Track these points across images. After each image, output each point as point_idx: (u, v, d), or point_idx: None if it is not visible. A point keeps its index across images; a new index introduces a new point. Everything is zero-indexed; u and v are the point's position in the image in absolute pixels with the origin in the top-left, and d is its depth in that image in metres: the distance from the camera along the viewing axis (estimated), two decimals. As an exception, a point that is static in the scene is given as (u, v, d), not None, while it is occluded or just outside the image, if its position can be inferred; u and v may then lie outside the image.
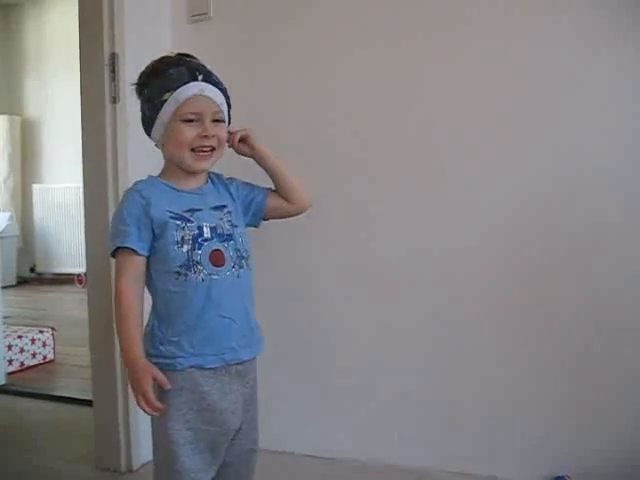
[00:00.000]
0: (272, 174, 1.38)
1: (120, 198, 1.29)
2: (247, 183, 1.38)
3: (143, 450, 1.87)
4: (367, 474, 1.81)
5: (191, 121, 1.21)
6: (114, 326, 1.81)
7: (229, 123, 1.32)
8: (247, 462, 1.31)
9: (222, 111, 1.27)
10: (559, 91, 1.62)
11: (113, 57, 1.82)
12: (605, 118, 1.59)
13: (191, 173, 1.26)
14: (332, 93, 1.85)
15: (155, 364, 1.18)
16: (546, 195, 1.65)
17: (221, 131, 1.26)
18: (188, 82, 1.21)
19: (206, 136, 1.22)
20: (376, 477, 1.79)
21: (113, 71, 1.82)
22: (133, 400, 1.81)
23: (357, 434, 1.87)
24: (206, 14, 1.96)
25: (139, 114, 1.30)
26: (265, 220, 1.40)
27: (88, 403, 2.07)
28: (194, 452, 1.18)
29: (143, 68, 1.29)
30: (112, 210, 1.82)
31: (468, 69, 1.70)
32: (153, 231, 1.19)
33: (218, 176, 1.34)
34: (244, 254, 1.26)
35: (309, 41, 1.87)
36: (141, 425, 1.84)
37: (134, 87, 1.29)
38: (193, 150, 1.22)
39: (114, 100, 1.82)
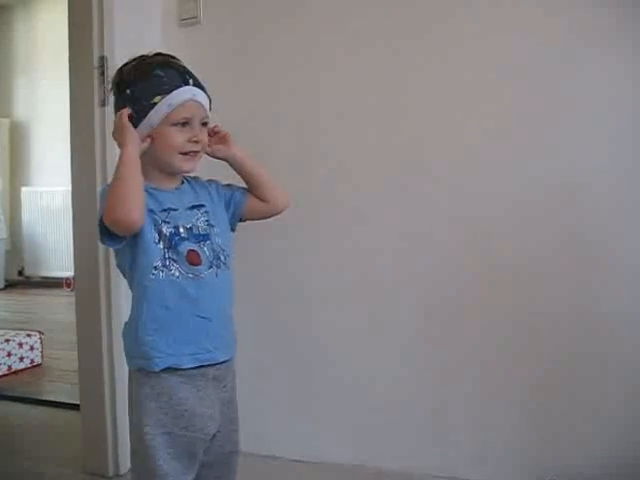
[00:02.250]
0: (248, 174, 1.36)
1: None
2: (227, 184, 1.37)
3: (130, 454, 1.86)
4: (355, 478, 1.81)
5: (181, 125, 1.21)
6: (101, 330, 1.83)
7: None
8: (228, 464, 1.30)
9: (208, 115, 1.27)
10: (558, 93, 1.63)
11: (102, 60, 1.82)
12: (602, 120, 1.60)
13: (172, 174, 1.26)
14: (323, 97, 1.86)
15: (134, 365, 1.20)
16: (534, 201, 1.66)
17: (206, 135, 1.27)
18: (180, 86, 1.20)
19: (196, 141, 1.23)
20: (364, 481, 1.79)
21: (102, 74, 1.81)
22: (120, 404, 1.82)
23: (345, 438, 1.87)
24: (196, 18, 1.97)
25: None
26: (242, 221, 1.38)
27: (75, 407, 2.06)
28: (171, 457, 1.17)
29: (122, 64, 1.27)
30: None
31: (462, 71, 1.70)
32: None
33: (195, 178, 1.34)
34: (221, 254, 1.25)
35: (300, 45, 1.87)
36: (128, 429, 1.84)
37: (112, 83, 1.27)
38: (181, 153, 1.22)
39: (103, 103, 1.82)
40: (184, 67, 1.26)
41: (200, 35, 1.96)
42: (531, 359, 1.68)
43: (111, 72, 1.80)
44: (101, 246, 1.83)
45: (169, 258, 1.18)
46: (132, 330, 1.20)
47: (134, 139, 1.18)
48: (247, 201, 1.36)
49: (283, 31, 1.89)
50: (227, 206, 1.34)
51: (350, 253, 1.84)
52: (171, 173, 1.25)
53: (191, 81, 1.22)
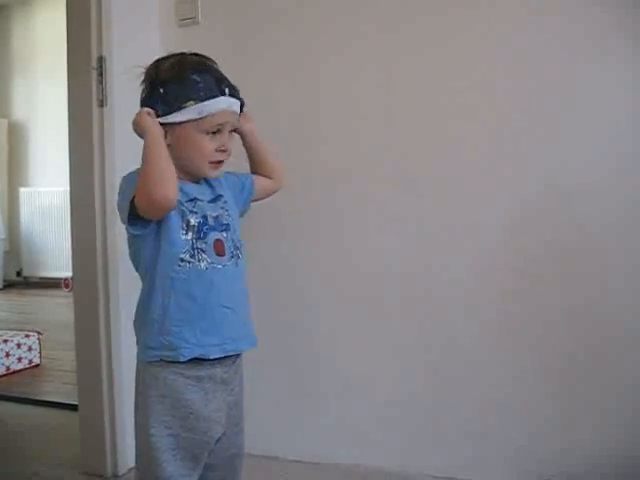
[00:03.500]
0: (256, 151, 1.41)
1: (115, 190, 1.25)
2: (231, 172, 1.36)
3: (129, 455, 1.86)
4: (354, 479, 1.81)
5: (212, 133, 1.21)
6: (100, 330, 1.83)
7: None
8: (232, 466, 1.30)
9: (239, 120, 1.29)
10: (558, 92, 1.62)
11: (101, 60, 1.81)
12: (602, 120, 1.59)
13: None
14: (322, 97, 1.86)
15: (156, 356, 1.18)
16: (534, 201, 1.65)
17: (232, 141, 1.27)
18: (216, 96, 1.19)
19: (224, 150, 1.23)
20: (363, 482, 1.79)
21: (101, 74, 1.81)
22: (118, 405, 1.82)
23: (343, 439, 1.87)
24: (194, 18, 1.97)
25: (126, 118, 1.28)
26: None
27: (74, 408, 2.06)
28: (175, 458, 1.17)
29: (161, 57, 1.25)
30: (99, 214, 1.82)
31: (462, 71, 1.70)
32: None
33: None
34: (238, 244, 1.26)
35: (298, 45, 1.87)
36: (127, 430, 1.84)
37: (144, 72, 1.25)
38: (209, 162, 1.22)
39: (101, 103, 1.82)
40: (220, 73, 1.25)
41: (198, 35, 1.96)
42: (530, 359, 1.68)
43: (109, 72, 1.80)
44: (99, 246, 1.83)
45: (198, 248, 1.18)
46: (155, 321, 1.18)
47: (154, 123, 1.18)
48: (256, 183, 1.40)
49: (281, 31, 1.89)
50: (239, 194, 1.36)
51: (350, 253, 1.84)
52: (192, 175, 1.25)
53: (227, 90, 1.21)
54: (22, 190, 5.77)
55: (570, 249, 1.63)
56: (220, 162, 1.24)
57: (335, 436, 1.88)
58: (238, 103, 1.25)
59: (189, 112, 1.17)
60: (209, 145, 1.21)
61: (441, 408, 1.78)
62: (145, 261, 1.21)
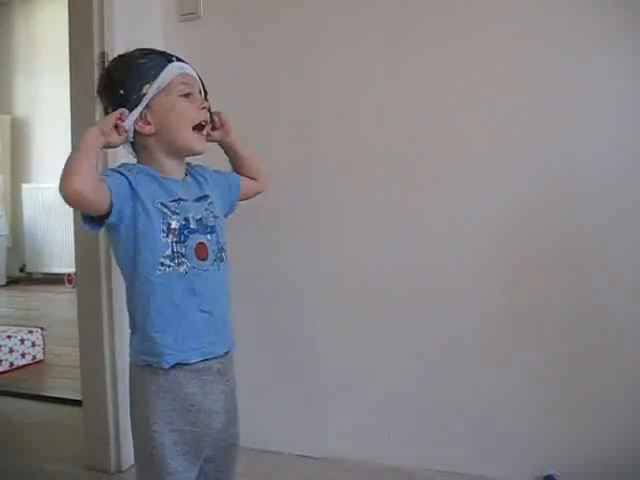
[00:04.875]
0: (240, 158, 1.40)
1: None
2: (217, 171, 1.36)
3: (132, 450, 1.86)
4: (357, 474, 1.81)
5: (185, 96, 1.21)
6: (103, 326, 1.83)
7: None
8: (228, 456, 1.30)
9: (203, 86, 1.28)
10: (558, 92, 1.62)
11: (103, 56, 1.81)
12: (602, 119, 1.59)
13: (181, 157, 1.25)
14: (323, 91, 1.85)
15: (142, 361, 1.18)
16: (536, 198, 1.65)
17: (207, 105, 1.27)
18: (165, 66, 1.20)
19: (204, 107, 1.23)
20: (366, 477, 1.79)
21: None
22: (122, 400, 1.82)
23: (348, 434, 1.88)
24: (196, 13, 1.97)
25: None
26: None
27: (78, 403, 2.06)
28: (178, 453, 1.17)
29: (102, 70, 1.27)
30: (102, 209, 1.82)
31: (462, 71, 1.70)
32: (135, 210, 1.15)
33: (190, 165, 1.31)
34: (223, 246, 1.25)
35: (301, 40, 1.87)
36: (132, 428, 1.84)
37: (100, 88, 1.26)
38: (195, 128, 1.22)
39: (104, 99, 1.81)
40: (163, 51, 1.25)
41: (200, 30, 1.96)
42: (532, 355, 1.68)
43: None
44: (102, 242, 1.83)
45: (177, 252, 1.16)
46: (139, 326, 1.18)
47: (100, 123, 1.19)
48: (242, 184, 1.40)
49: (283, 26, 1.89)
50: (227, 194, 1.35)
51: (350, 249, 1.84)
52: (182, 154, 1.24)
53: (174, 58, 1.22)
54: (25, 186, 5.78)
55: (571, 247, 1.63)
56: (203, 132, 1.24)
57: (340, 431, 1.88)
58: (192, 69, 1.25)
59: (150, 93, 1.18)
60: (189, 106, 1.21)
61: (443, 403, 1.78)
62: (125, 264, 1.19)
